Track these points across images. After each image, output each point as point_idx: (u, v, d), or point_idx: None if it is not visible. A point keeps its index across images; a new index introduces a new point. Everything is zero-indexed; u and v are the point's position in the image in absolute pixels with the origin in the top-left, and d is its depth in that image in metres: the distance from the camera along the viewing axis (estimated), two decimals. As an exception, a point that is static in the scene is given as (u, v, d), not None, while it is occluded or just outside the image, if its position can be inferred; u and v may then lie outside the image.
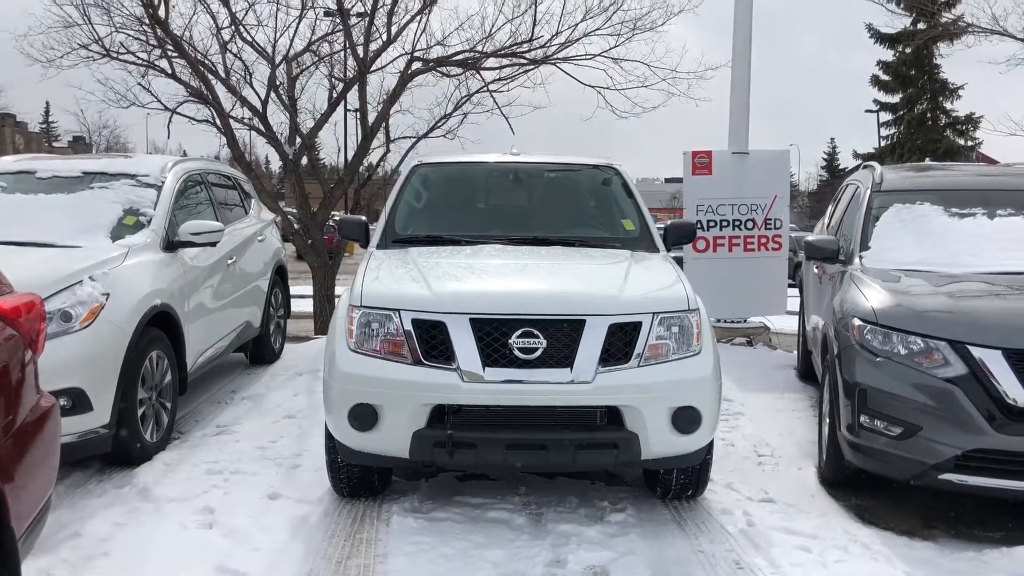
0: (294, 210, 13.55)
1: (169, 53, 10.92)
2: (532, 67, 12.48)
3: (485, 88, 12.30)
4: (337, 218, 8.33)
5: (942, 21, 22.12)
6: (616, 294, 4.22)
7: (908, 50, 31.71)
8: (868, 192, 5.90)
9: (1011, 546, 4.01)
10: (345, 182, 12.27)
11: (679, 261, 5.06)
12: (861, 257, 5.35)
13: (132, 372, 4.89)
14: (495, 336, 4.01)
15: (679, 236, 5.52)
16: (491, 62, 12.46)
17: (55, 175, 6.05)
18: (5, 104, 53.48)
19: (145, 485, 4.63)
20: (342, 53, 12.58)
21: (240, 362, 7.87)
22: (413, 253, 4.85)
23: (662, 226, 5.84)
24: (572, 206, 5.70)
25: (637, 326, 4.11)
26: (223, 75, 11.41)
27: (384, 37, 12.07)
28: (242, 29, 11.20)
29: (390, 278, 4.50)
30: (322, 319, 10.89)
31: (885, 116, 34.47)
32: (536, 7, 11.82)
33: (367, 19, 11.56)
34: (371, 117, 12.09)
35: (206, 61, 11.23)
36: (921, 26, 22.15)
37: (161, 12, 10.59)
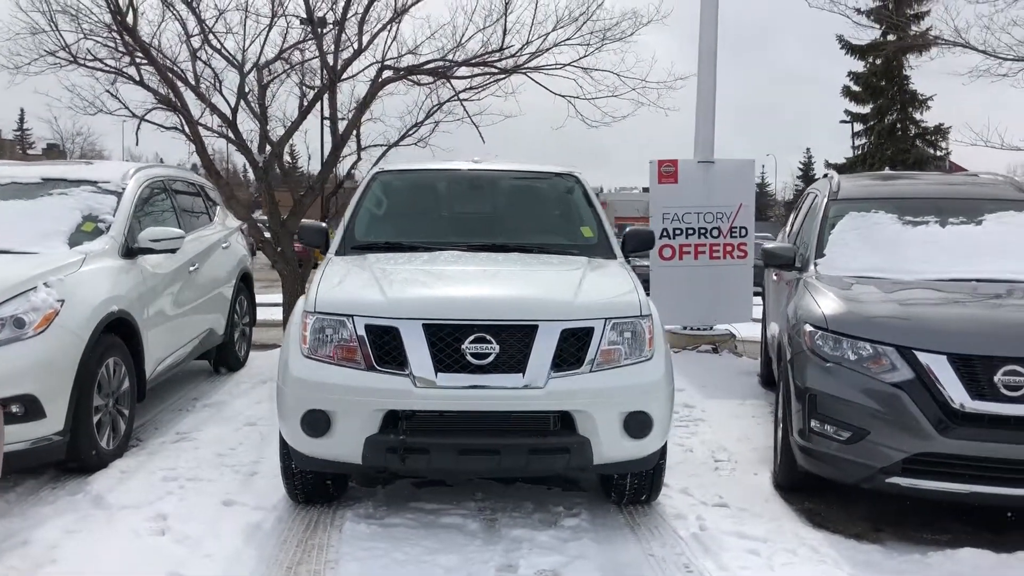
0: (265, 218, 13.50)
1: (138, 60, 10.87)
2: (503, 76, 12.55)
3: (456, 97, 12.35)
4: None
5: (911, 33, 22.48)
6: (569, 300, 4.26)
7: (878, 61, 32.13)
8: (825, 200, 6.00)
9: (955, 548, 4.08)
10: (315, 190, 12.26)
11: (645, 271, 5.08)
12: (816, 264, 5.43)
13: (87, 379, 4.86)
14: (448, 342, 4.03)
15: (637, 243, 5.57)
16: (462, 71, 12.51)
17: (14, 181, 6.02)
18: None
19: (99, 492, 4.61)
20: (314, 61, 12.59)
21: (204, 369, 7.84)
22: (371, 259, 4.87)
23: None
24: (531, 213, 5.74)
25: (589, 332, 4.14)
26: (192, 82, 11.37)
27: (355, 46, 12.10)
28: (211, 37, 11.18)
29: (345, 284, 4.51)
30: (292, 327, 10.82)
31: (857, 126, 34.90)
32: (506, 17, 11.91)
33: (338, 28, 11.57)
34: (343, 125, 12.10)
35: (175, 68, 11.19)
36: (891, 38, 22.42)
37: (129, 19, 10.55)
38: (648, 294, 4.69)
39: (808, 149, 69.70)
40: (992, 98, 28.71)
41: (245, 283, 8.13)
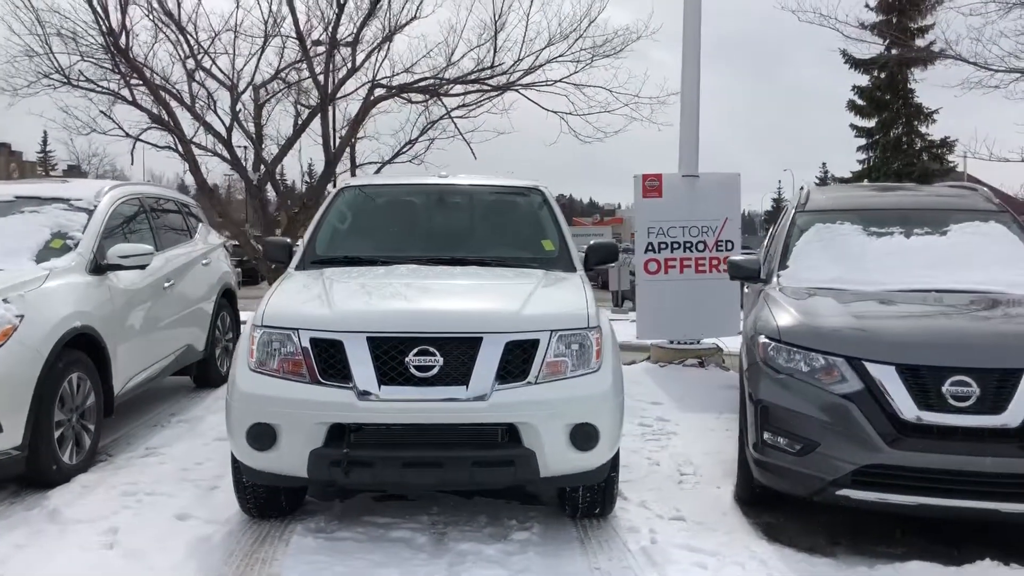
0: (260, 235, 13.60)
1: (131, 81, 11.04)
2: (496, 93, 12.65)
3: (448, 115, 12.45)
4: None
5: (914, 47, 22.42)
6: (514, 312, 4.26)
7: (883, 75, 31.99)
8: (792, 211, 5.98)
9: (905, 561, 4.03)
10: (309, 207, 12.35)
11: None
12: (779, 276, 5.41)
13: (48, 394, 4.90)
14: (392, 354, 4.04)
15: (600, 257, 5.57)
16: (455, 89, 12.62)
17: (-13, 200, 6.10)
18: (-8, 132, 53.49)
19: (56, 507, 4.64)
20: (308, 81, 12.73)
21: (185, 385, 7.88)
22: (327, 273, 4.89)
23: None
24: (494, 227, 5.76)
25: (535, 343, 4.14)
26: (188, 102, 11.52)
27: (348, 66, 12.22)
28: (204, 58, 11.35)
29: (293, 298, 4.54)
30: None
31: (862, 140, 34.67)
32: (496, 36, 12.01)
33: (328, 49, 11.71)
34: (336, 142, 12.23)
35: (169, 88, 11.36)
36: (894, 51, 22.35)
37: (123, 41, 10.72)
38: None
39: (824, 164, 69.61)
40: (998, 111, 28.50)
41: (228, 299, 8.18)
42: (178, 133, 11.10)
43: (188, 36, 11.01)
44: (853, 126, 34.37)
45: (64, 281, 5.36)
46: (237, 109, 11.32)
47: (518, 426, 4.05)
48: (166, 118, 11.02)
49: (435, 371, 4.03)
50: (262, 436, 4.07)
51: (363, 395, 3.99)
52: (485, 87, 12.44)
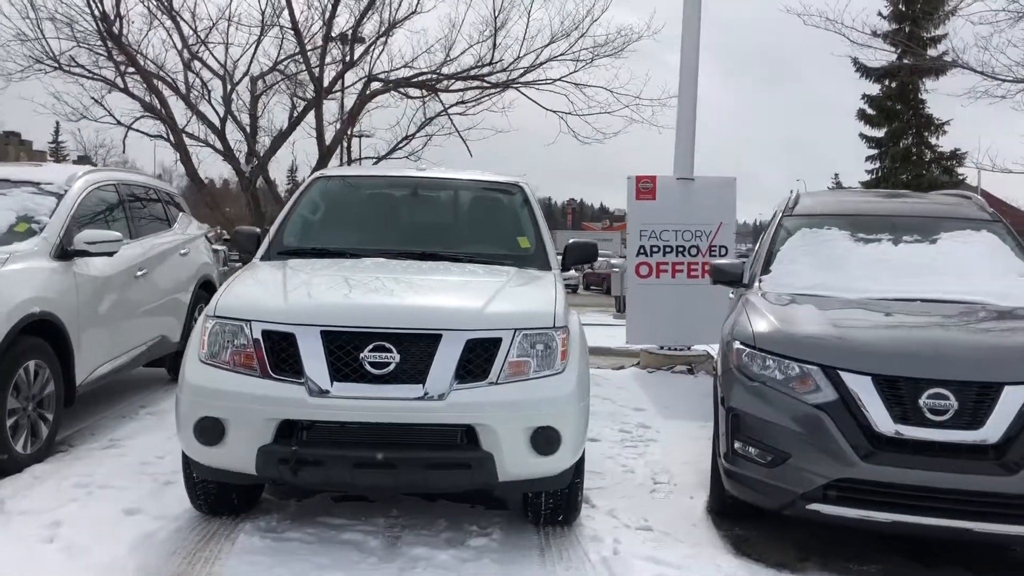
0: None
1: (124, 69, 10.92)
2: (494, 91, 12.50)
3: (445, 112, 12.30)
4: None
5: (927, 56, 22.17)
6: (477, 309, 4.09)
7: (893, 84, 31.67)
8: (779, 216, 5.80)
9: (874, 581, 3.85)
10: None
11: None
12: (760, 281, 5.23)
13: (1, 381, 4.76)
14: (347, 350, 3.88)
15: (578, 257, 5.40)
16: (454, 85, 12.48)
17: (-46, 183, 5.97)
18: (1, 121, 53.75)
19: (1, 498, 4.49)
20: (305, 74, 12.60)
21: (160, 377, 7.74)
22: (290, 264, 4.74)
23: None
24: (468, 222, 5.60)
25: (497, 342, 3.97)
26: (182, 91, 11.41)
27: (346, 59, 12.09)
28: (199, 49, 11.23)
29: (250, 289, 4.38)
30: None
31: (872, 150, 34.35)
32: (496, 33, 11.86)
33: (324, 43, 11.58)
34: (330, 136, 12.08)
35: (162, 75, 11.24)
36: (906, 61, 22.11)
37: (116, 27, 10.61)
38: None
39: (836, 174, 69.12)
40: (1011, 124, 28.26)
41: (206, 291, 8.01)
42: (170, 123, 10.97)
43: (183, 23, 10.89)
44: (862, 135, 34.10)
45: (25, 265, 5.22)
46: (231, 99, 11.18)
47: (476, 427, 3.88)
48: (158, 106, 10.90)
49: (391, 368, 3.87)
50: (209, 431, 3.91)
51: (314, 391, 3.82)
52: (484, 84, 12.29)
